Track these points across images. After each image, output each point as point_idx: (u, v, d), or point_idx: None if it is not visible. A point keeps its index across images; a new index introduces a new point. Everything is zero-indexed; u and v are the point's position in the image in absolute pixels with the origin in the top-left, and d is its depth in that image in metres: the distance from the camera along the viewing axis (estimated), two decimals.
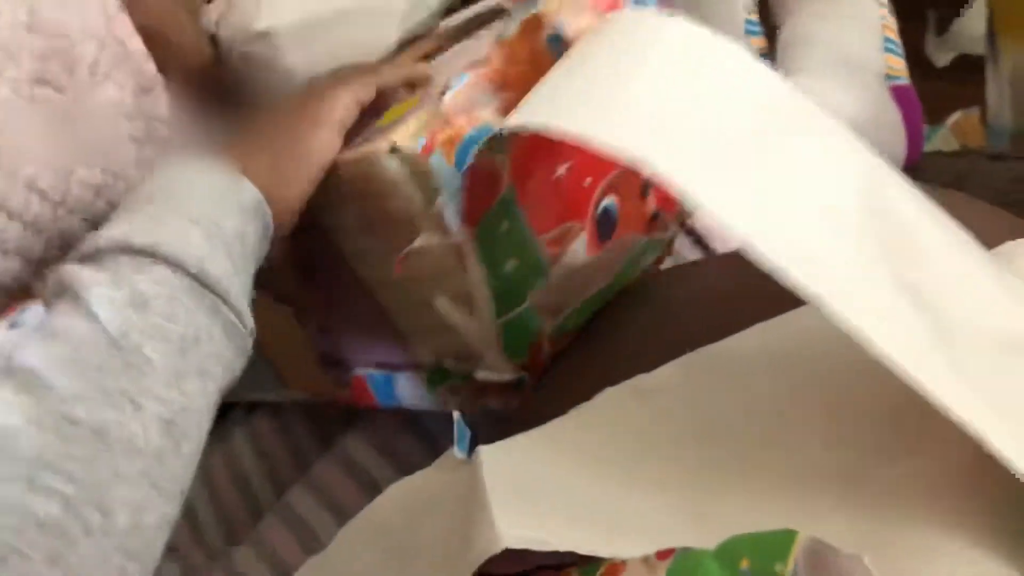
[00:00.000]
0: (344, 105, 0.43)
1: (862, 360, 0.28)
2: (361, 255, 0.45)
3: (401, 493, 0.37)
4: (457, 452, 0.36)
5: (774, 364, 0.37)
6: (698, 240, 0.63)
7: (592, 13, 0.44)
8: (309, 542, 0.52)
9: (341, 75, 0.47)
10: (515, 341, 0.44)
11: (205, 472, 0.60)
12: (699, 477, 0.34)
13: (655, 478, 0.35)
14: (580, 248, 0.45)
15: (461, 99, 0.42)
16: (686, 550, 0.27)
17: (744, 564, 0.27)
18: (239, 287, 0.36)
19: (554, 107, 0.36)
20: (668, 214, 0.52)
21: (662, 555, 0.28)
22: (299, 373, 0.53)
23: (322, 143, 0.41)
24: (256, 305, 0.39)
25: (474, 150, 0.39)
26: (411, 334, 0.47)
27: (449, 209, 0.40)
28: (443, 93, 0.42)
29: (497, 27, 0.49)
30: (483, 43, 0.47)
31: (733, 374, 0.37)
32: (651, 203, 0.50)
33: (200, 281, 0.35)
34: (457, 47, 0.51)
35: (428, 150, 0.40)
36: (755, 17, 0.73)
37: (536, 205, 0.43)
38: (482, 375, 0.45)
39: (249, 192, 0.38)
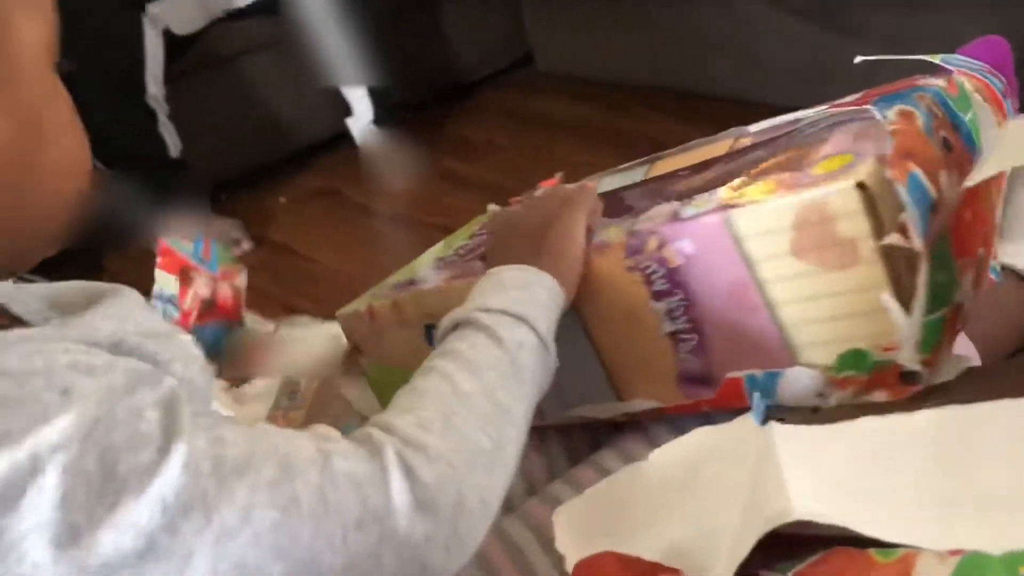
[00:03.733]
0: (586, 210, 0.64)
1: None
2: (780, 279, 0.57)
3: (702, 436, 0.49)
4: (755, 419, 0.46)
5: None
6: None
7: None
8: None
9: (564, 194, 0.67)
10: (928, 339, 0.55)
11: None
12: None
13: (916, 496, 0.42)
14: (968, 282, 0.59)
15: (895, 154, 0.56)
16: (976, 552, 0.35)
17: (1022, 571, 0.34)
18: (548, 333, 0.56)
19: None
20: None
21: (954, 552, 0.35)
22: (646, 395, 0.66)
23: (578, 251, 0.62)
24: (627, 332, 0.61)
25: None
26: (804, 347, 0.59)
27: (912, 223, 0.53)
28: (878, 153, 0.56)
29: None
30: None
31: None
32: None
33: (538, 334, 0.55)
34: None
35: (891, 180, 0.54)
36: None
37: (955, 240, 0.56)
38: (901, 359, 0.55)
39: (547, 279, 0.58)
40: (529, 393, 0.52)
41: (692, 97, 1.96)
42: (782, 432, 0.47)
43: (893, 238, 0.53)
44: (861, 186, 0.53)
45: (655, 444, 0.62)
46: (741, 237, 0.57)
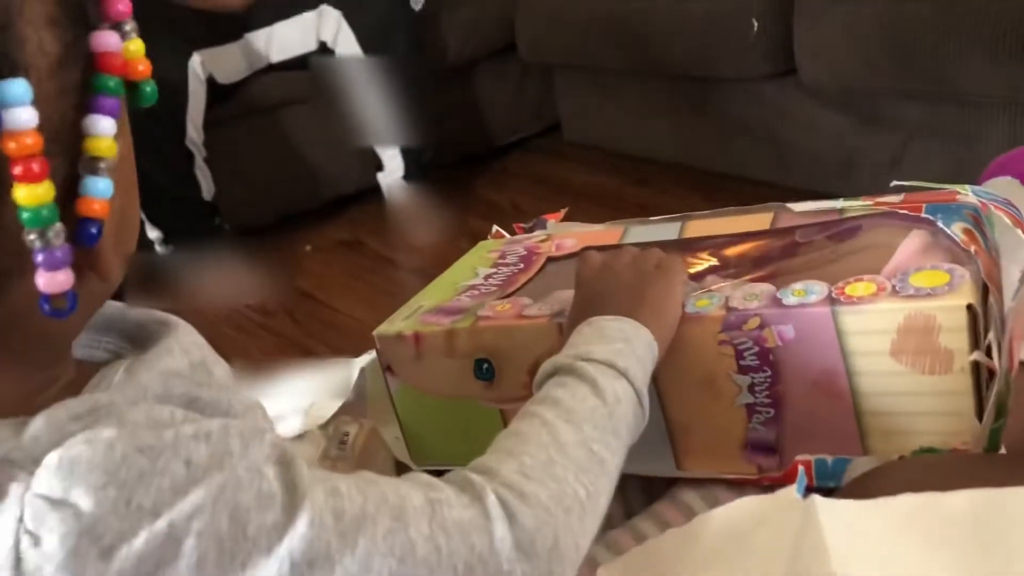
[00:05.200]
0: (682, 279, 0.67)
1: None
2: (872, 373, 0.62)
3: (743, 505, 0.51)
4: (795, 493, 0.49)
5: None
6: None
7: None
8: None
9: (667, 259, 0.68)
10: (992, 443, 0.61)
11: None
12: None
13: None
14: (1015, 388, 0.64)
15: (985, 277, 0.62)
16: None
17: None
18: (644, 387, 0.58)
19: None
20: None
21: None
22: (706, 459, 0.70)
23: (677, 312, 0.65)
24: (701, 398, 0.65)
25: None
26: (875, 435, 0.64)
27: (994, 343, 0.59)
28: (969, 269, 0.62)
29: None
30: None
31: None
32: None
33: (635, 389, 0.57)
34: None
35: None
36: None
37: (1011, 356, 0.61)
38: None
39: (647, 334, 0.60)
40: (623, 445, 0.55)
41: (716, 176, 2.00)
42: (824, 504, 0.49)
43: (978, 355, 0.59)
44: (970, 307, 0.59)
45: (688, 511, 0.64)
46: (844, 332, 0.62)
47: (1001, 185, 0.96)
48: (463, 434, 0.76)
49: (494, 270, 0.84)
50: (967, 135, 1.54)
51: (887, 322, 0.60)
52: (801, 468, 0.60)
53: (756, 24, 1.70)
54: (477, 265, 0.87)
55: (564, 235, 0.88)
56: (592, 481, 0.50)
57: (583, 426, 0.52)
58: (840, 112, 1.72)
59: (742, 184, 1.93)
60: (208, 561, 0.37)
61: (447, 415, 0.77)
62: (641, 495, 0.72)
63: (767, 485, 0.66)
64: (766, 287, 0.66)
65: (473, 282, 0.83)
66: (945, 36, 1.43)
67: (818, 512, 0.47)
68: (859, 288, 0.62)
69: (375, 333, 0.79)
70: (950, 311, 0.59)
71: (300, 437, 0.80)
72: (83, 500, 0.35)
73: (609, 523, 0.69)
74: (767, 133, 1.87)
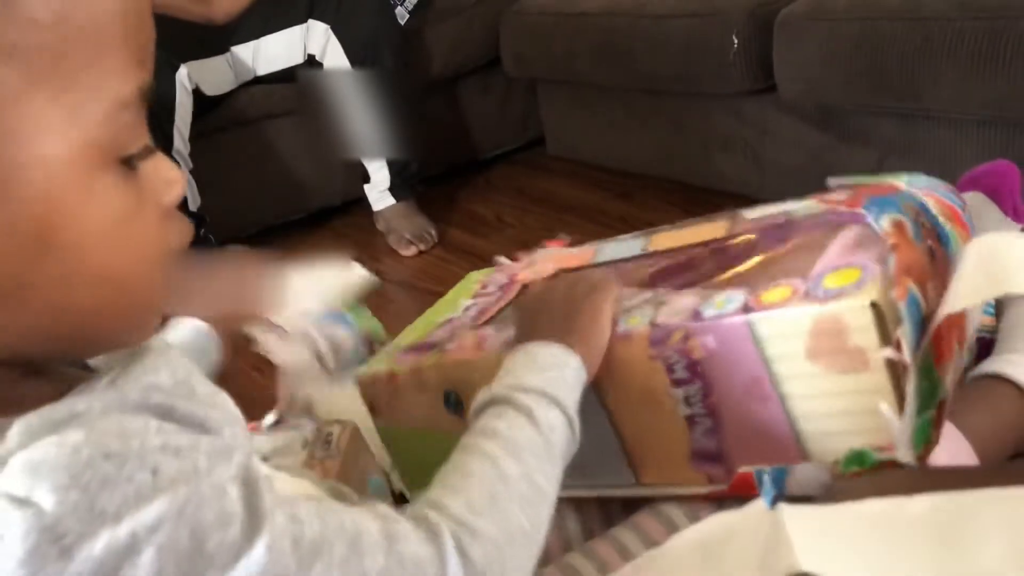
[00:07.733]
0: (613, 299, 0.69)
1: None
2: (794, 376, 0.63)
3: (715, 521, 0.54)
4: (764, 504, 0.51)
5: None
6: None
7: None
8: None
9: (596, 276, 0.72)
10: (919, 438, 0.61)
11: None
12: None
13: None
14: (949, 381, 0.64)
15: (897, 271, 0.62)
16: None
17: None
18: (575, 413, 0.60)
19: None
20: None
21: None
22: (660, 471, 0.71)
23: (604, 335, 0.67)
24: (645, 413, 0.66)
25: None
26: (811, 436, 0.65)
27: (905, 338, 0.59)
28: (882, 265, 0.62)
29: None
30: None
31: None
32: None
33: (567, 416, 0.59)
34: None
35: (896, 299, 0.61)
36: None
37: (936, 351, 0.62)
38: (899, 457, 0.61)
39: (575, 360, 0.63)
40: (558, 473, 0.57)
41: (697, 190, 2.03)
42: (791, 511, 0.51)
43: (888, 352, 0.59)
44: (873, 304, 0.59)
45: (667, 521, 0.66)
46: (761, 339, 0.63)
47: (971, 201, 0.98)
48: None
49: (473, 301, 0.86)
50: (943, 152, 1.58)
51: (798, 326, 0.61)
52: (767, 477, 0.61)
53: (736, 41, 1.73)
54: (461, 297, 0.89)
55: (545, 260, 0.90)
56: (535, 512, 0.53)
57: (524, 457, 0.54)
58: (818, 128, 1.75)
59: (722, 198, 1.95)
60: (167, 574, 0.37)
61: (431, 448, 0.78)
62: (598, 511, 0.74)
63: (743, 497, 0.68)
64: (691, 301, 0.67)
65: (452, 315, 0.85)
66: (921, 54, 1.46)
67: (784, 519, 0.49)
68: (774, 294, 0.63)
69: (356, 376, 0.81)
70: (855, 311, 0.59)
71: (279, 447, 0.81)
72: (45, 499, 0.35)
73: (567, 545, 0.71)
74: (747, 148, 1.90)
